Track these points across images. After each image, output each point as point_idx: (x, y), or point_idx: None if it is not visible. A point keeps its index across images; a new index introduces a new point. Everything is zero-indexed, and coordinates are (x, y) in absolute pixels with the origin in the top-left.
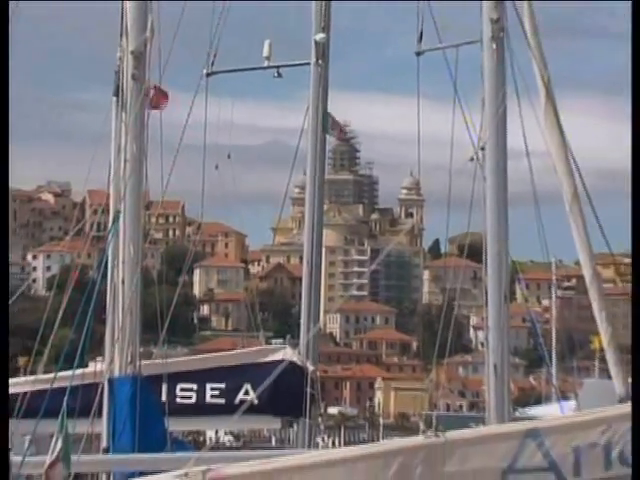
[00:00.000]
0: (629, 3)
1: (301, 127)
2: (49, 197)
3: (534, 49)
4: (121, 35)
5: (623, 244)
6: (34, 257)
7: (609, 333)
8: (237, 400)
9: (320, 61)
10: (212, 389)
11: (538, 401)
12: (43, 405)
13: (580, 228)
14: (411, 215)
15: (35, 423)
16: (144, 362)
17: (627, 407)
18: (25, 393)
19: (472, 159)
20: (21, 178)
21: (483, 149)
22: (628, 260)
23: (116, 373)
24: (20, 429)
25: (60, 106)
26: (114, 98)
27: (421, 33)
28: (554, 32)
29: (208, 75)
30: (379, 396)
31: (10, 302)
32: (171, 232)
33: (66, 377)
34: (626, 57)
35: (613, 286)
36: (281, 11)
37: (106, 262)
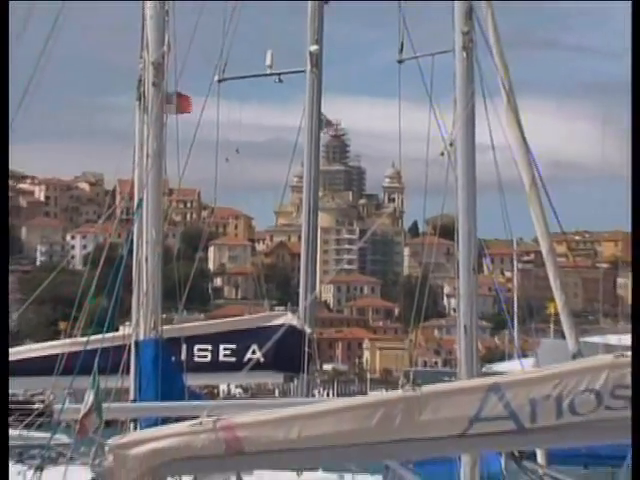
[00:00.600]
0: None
1: (299, 126)
2: (85, 186)
3: (497, 57)
4: (142, 48)
5: (573, 224)
6: (72, 237)
7: (562, 300)
8: (245, 358)
9: (314, 69)
10: (224, 349)
11: (502, 358)
12: (79, 363)
13: (537, 211)
14: (393, 200)
15: (72, 379)
16: (165, 327)
17: (577, 363)
18: (64, 354)
19: (442, 154)
20: (61, 169)
21: (452, 144)
22: (578, 237)
23: (141, 336)
24: (60, 384)
25: (93, 109)
26: (137, 102)
27: (402, 44)
28: (515, 43)
29: (219, 81)
30: (366, 355)
31: (52, 276)
32: (188, 215)
33: (98, 340)
34: (577, 65)
35: (565, 260)
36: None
37: (132, 241)
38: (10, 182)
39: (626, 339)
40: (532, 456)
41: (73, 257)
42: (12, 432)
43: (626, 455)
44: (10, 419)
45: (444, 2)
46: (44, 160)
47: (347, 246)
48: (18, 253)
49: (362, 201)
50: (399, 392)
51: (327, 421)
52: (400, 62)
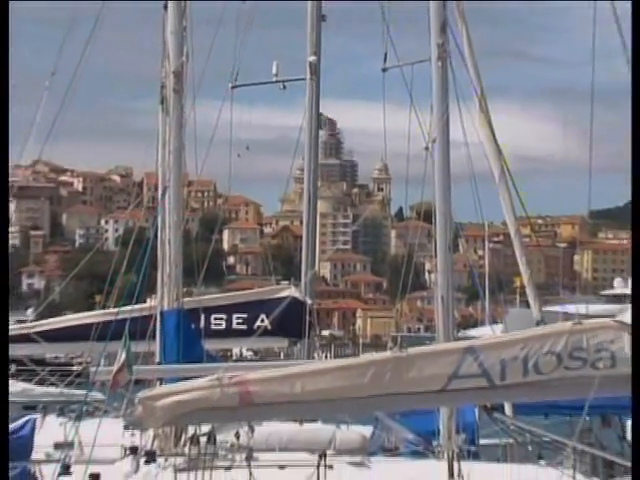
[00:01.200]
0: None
1: (300, 126)
2: (117, 178)
3: (470, 66)
4: (164, 59)
5: (536, 209)
6: (106, 222)
7: (527, 274)
8: (255, 326)
9: (313, 77)
10: (237, 318)
11: (475, 325)
12: (111, 331)
13: (505, 198)
14: (381, 189)
15: (105, 344)
16: (186, 299)
17: (540, 329)
18: (99, 322)
19: (426, 148)
20: (96, 164)
21: (434, 141)
22: (540, 221)
23: (165, 307)
24: (95, 349)
25: (123, 111)
26: (160, 106)
27: (385, 55)
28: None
29: (232, 88)
30: (359, 322)
31: (88, 256)
32: (206, 203)
33: (128, 310)
34: (539, 73)
35: (529, 240)
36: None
37: (157, 225)
38: (52, 175)
39: (582, 308)
40: (501, 408)
41: (107, 239)
42: (54, 389)
43: (582, 406)
44: (53, 378)
45: (425, 16)
46: (82, 156)
47: (342, 229)
48: (60, 236)
49: (355, 190)
50: (387, 353)
51: (325, 378)
52: (384, 70)
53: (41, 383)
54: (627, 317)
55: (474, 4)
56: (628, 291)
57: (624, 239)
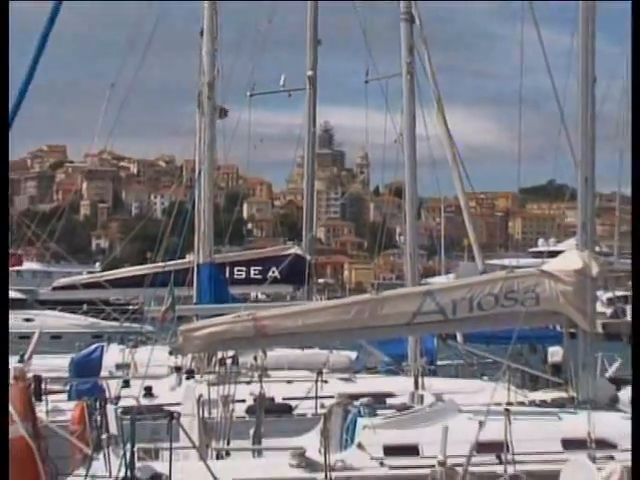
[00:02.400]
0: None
1: (301, 124)
2: (162, 163)
3: (431, 79)
4: (200, 73)
5: (479, 187)
6: (155, 197)
7: (473, 236)
8: (268, 276)
9: (311, 87)
10: (254, 270)
11: (434, 275)
12: (159, 279)
13: (457, 177)
14: (363, 172)
15: (155, 290)
16: (216, 255)
17: (483, 277)
18: (150, 273)
19: (396, 141)
20: (147, 153)
21: (401, 135)
22: (482, 196)
23: (200, 261)
24: (148, 293)
25: (169, 112)
26: (197, 109)
27: (367, 70)
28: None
29: (251, 96)
30: (346, 273)
31: (141, 223)
32: (230, 183)
33: (172, 264)
34: (479, 83)
35: (474, 210)
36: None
37: (194, 200)
38: (114, 161)
39: (513, 261)
40: (453, 337)
41: (155, 210)
42: (116, 323)
43: (512, 336)
44: (115, 315)
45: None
46: (136, 147)
47: (333, 202)
48: (120, 208)
49: (343, 173)
50: (367, 296)
51: (321, 315)
52: (366, 82)
53: (106, 318)
54: (547, 267)
55: (434, 32)
56: (548, 249)
57: (545, 209)
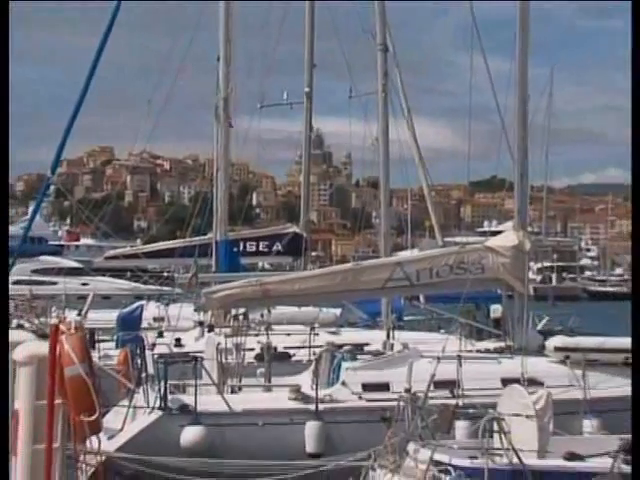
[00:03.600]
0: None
1: (300, 131)
2: (189, 161)
3: (402, 96)
4: (217, 90)
5: (437, 179)
6: (183, 188)
7: (434, 219)
8: (273, 249)
9: (308, 101)
10: (262, 244)
11: (402, 249)
12: (187, 252)
13: (421, 172)
14: (346, 169)
15: (183, 260)
16: (231, 233)
17: (440, 251)
18: (179, 247)
19: (372, 144)
20: (177, 153)
21: (377, 139)
22: (440, 187)
23: (219, 238)
24: (178, 262)
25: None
26: (215, 119)
27: (350, 88)
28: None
29: (260, 107)
30: (333, 248)
31: (172, 209)
32: (243, 176)
33: (197, 240)
34: (442, 100)
35: (434, 199)
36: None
37: (213, 190)
38: (151, 159)
39: (464, 239)
40: (417, 298)
41: (183, 198)
42: (153, 286)
43: (462, 297)
44: (152, 280)
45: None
46: (168, 148)
47: (323, 193)
48: (155, 196)
49: (331, 169)
50: (350, 265)
51: (313, 280)
52: (350, 97)
53: (145, 283)
54: (490, 243)
55: (404, 58)
56: (491, 229)
57: (489, 198)
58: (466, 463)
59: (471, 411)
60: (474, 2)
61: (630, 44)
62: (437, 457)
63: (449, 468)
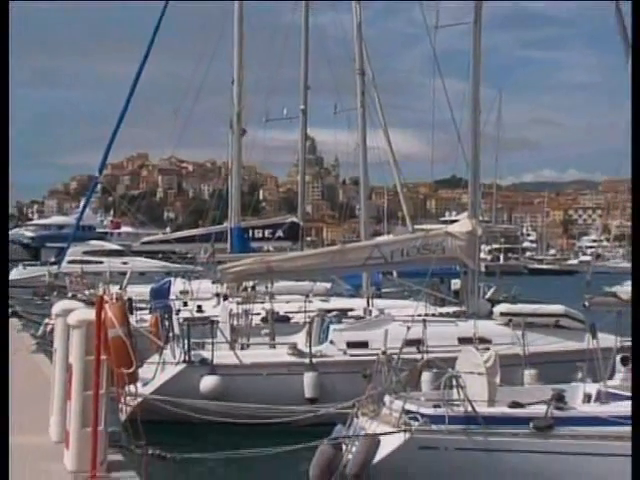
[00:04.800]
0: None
1: (297, 139)
2: (208, 164)
3: (379, 110)
4: (232, 106)
5: (408, 178)
6: (203, 185)
7: (406, 210)
8: (275, 235)
9: (303, 116)
10: (266, 231)
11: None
12: (205, 237)
13: (395, 172)
14: (335, 169)
15: (203, 244)
16: (242, 222)
17: (411, 235)
18: (199, 234)
19: (354, 149)
20: (198, 157)
21: (357, 145)
22: (411, 185)
23: (232, 225)
24: (198, 246)
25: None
26: (230, 129)
27: (335, 105)
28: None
29: (266, 121)
30: (324, 233)
31: (194, 203)
32: (251, 176)
33: (214, 227)
34: (412, 115)
35: (405, 194)
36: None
37: (228, 187)
38: (178, 163)
39: (429, 227)
40: (391, 273)
41: (204, 194)
42: (179, 265)
43: (428, 273)
44: (179, 260)
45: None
46: (191, 153)
47: (316, 190)
48: (181, 192)
49: (322, 171)
50: (338, 246)
51: (308, 259)
52: (335, 113)
53: (173, 262)
54: (449, 229)
55: (380, 80)
56: (451, 218)
57: (450, 194)
58: (431, 411)
59: (435, 370)
60: (438, 36)
61: (631, 43)
62: (408, 407)
63: (417, 415)
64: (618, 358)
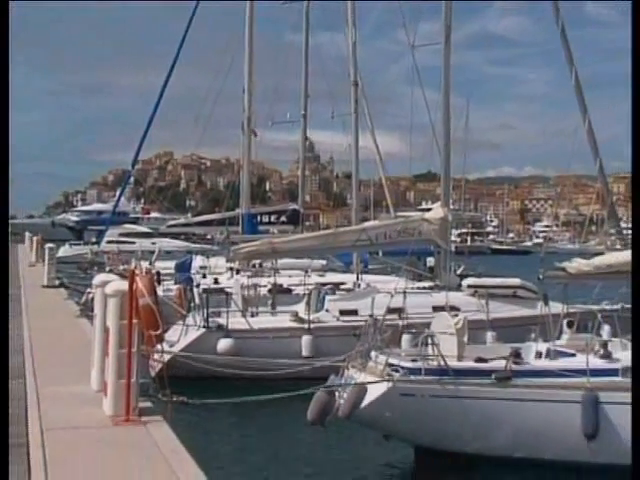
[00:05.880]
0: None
1: (298, 139)
2: (224, 161)
3: (368, 118)
4: (243, 113)
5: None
6: (220, 178)
7: (389, 200)
8: (279, 220)
9: (304, 119)
10: (272, 217)
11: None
12: (220, 221)
13: (380, 168)
14: (330, 165)
15: (219, 227)
16: (252, 209)
17: (394, 220)
18: (217, 219)
19: (346, 149)
20: (215, 155)
21: (350, 145)
22: (393, 178)
23: (243, 211)
24: (215, 229)
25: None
26: (241, 131)
27: (333, 112)
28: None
29: (272, 124)
30: (321, 220)
31: (212, 194)
32: (259, 171)
33: (229, 214)
34: (395, 120)
35: (389, 186)
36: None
37: (239, 180)
38: (197, 159)
39: (408, 215)
40: (377, 253)
41: (220, 185)
42: (199, 245)
43: (407, 252)
44: (199, 240)
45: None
46: (210, 151)
47: (314, 182)
48: (201, 184)
49: (319, 166)
50: (331, 230)
51: (307, 240)
52: (332, 117)
53: (194, 242)
54: (426, 216)
55: (369, 90)
56: (427, 207)
57: (426, 186)
58: (409, 365)
59: (413, 330)
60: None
61: (630, 44)
62: (390, 361)
63: (398, 368)
64: (564, 322)
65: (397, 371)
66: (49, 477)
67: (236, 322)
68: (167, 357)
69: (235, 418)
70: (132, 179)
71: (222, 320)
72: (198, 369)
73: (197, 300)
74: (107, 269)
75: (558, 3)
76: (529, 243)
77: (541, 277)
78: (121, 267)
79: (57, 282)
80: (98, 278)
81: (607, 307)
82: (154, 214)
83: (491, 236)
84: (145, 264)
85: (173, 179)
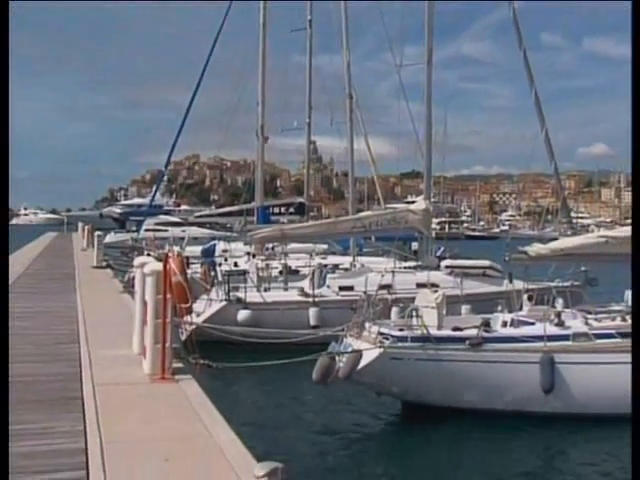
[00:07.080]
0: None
1: (304, 143)
2: (242, 162)
3: (362, 125)
4: (257, 122)
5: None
6: (238, 177)
7: (380, 194)
8: (288, 212)
9: (308, 127)
10: (282, 209)
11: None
12: (239, 213)
13: (372, 167)
14: (330, 165)
15: (238, 218)
16: (265, 202)
17: (384, 211)
18: (236, 210)
19: (344, 150)
20: (234, 157)
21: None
22: (384, 176)
23: (258, 204)
24: (234, 220)
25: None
26: (256, 136)
27: (331, 120)
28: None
29: (282, 131)
30: (323, 211)
31: (231, 190)
32: (271, 170)
33: (246, 206)
34: (385, 128)
35: (380, 183)
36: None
37: (254, 178)
38: (220, 161)
39: (396, 206)
40: (370, 238)
41: (238, 182)
42: (220, 232)
43: (395, 238)
44: (221, 229)
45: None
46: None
47: (317, 179)
48: (223, 182)
49: (321, 166)
50: (331, 220)
51: (311, 228)
52: (331, 125)
53: (217, 230)
54: (411, 207)
55: (362, 101)
56: (412, 200)
57: (411, 183)
58: (398, 333)
59: (400, 305)
60: (402, 72)
61: (630, 44)
62: (382, 330)
63: (388, 336)
64: (525, 296)
65: (387, 339)
66: (100, 421)
67: (252, 296)
68: (195, 326)
69: (251, 377)
70: (165, 177)
71: (240, 294)
72: (220, 336)
73: (220, 278)
74: (145, 253)
75: (521, 31)
76: (497, 230)
77: (507, 259)
78: (157, 251)
79: (104, 264)
80: (138, 260)
81: (560, 284)
82: (184, 207)
83: (465, 224)
84: (176, 248)
85: (199, 177)
